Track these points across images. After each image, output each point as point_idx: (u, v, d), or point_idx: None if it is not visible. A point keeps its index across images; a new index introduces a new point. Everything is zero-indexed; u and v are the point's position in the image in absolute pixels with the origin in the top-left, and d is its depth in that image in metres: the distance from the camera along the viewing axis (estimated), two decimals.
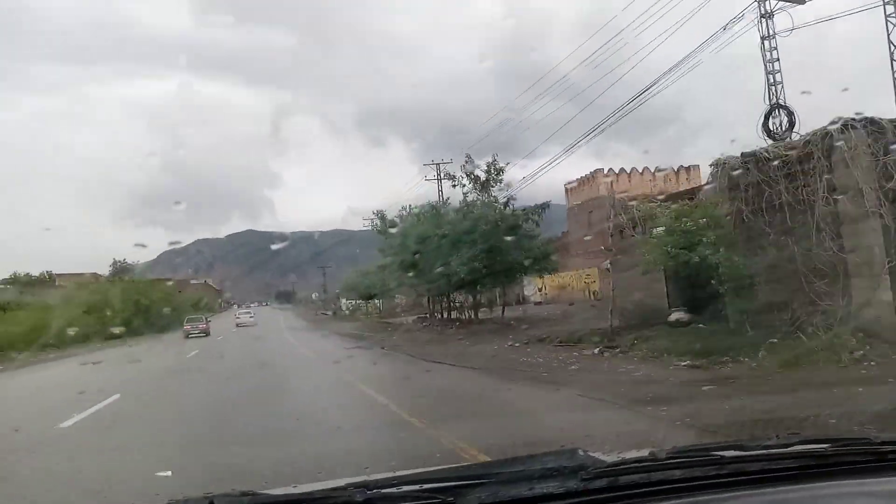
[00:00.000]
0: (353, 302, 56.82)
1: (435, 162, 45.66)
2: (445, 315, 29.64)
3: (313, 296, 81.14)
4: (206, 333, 33.79)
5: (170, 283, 49.13)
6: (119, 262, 51.10)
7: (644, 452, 1.61)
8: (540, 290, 40.16)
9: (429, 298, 30.60)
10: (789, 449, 1.61)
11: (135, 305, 36.44)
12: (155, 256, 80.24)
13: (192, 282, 78.71)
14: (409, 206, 30.88)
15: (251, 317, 47.84)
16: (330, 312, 65.99)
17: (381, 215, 29.68)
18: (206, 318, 38.29)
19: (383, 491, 1.41)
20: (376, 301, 52.76)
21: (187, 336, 32.71)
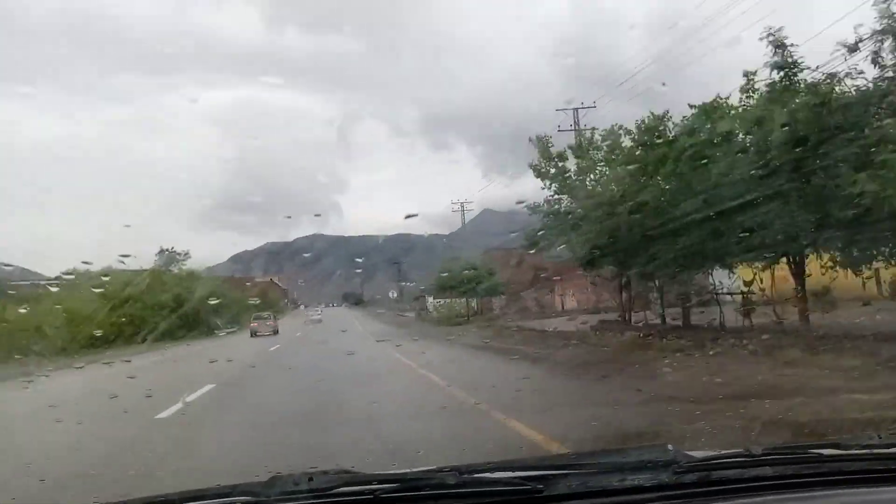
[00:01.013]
0: (441, 301, 45.19)
1: (573, 107, 33.81)
2: (658, 318, 17.06)
3: (391, 294, 70.03)
4: (275, 332, 30.83)
5: (220, 279, 39.68)
6: (166, 250, 41.26)
7: (738, 448, 1.55)
8: (747, 282, 25.57)
9: (624, 289, 17.96)
10: (891, 450, 1.54)
11: (176, 301, 28.50)
12: (225, 259, 77.32)
13: (257, 279, 69.54)
14: (593, 129, 18.89)
15: (319, 314, 50.15)
16: (411, 313, 54.97)
17: (544, 143, 17.52)
18: (273, 316, 34.77)
19: (475, 475, 1.42)
20: (471, 300, 41.39)
21: (254, 334, 29.42)
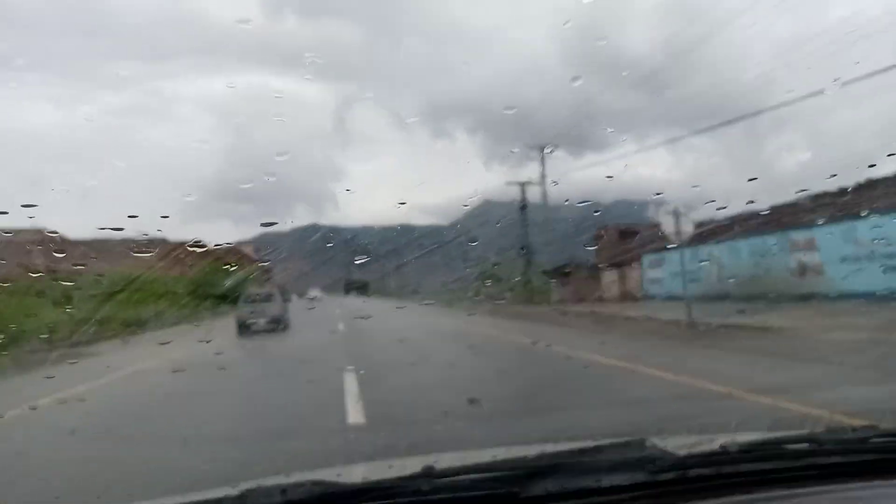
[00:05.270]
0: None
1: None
2: None
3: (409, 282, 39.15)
4: (281, 325, 19.06)
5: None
6: None
7: (715, 446, 1.55)
8: None
9: None
10: (866, 444, 1.55)
11: None
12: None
13: (215, 246, 45.41)
14: None
15: (317, 294, 43.36)
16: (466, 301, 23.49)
17: None
18: (281, 296, 20.61)
19: (449, 480, 1.42)
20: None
21: (244, 327, 18.40)
